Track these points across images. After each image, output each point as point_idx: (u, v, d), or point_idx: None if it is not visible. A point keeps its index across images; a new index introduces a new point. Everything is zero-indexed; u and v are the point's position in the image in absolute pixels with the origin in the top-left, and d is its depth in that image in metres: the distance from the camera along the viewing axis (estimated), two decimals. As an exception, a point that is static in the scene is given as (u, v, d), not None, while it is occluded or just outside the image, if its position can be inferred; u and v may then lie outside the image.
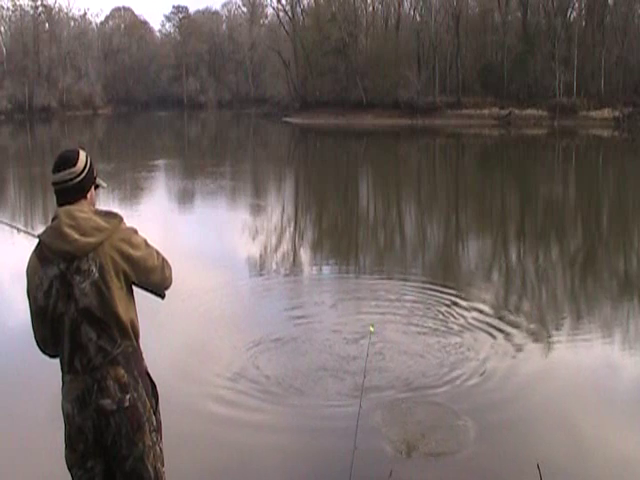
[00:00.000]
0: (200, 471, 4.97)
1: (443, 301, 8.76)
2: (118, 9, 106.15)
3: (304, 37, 69.23)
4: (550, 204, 19.23)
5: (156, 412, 3.11)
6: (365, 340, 6.99)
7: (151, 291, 3.16)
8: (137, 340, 3.08)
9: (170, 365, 6.56)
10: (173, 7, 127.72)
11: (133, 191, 21.81)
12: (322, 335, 7.56)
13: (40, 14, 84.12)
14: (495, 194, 22.19)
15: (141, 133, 58.31)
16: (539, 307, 9.20)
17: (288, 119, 62.95)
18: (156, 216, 16.91)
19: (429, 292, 9.18)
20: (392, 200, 20.90)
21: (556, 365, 6.91)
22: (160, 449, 3.10)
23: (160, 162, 31.37)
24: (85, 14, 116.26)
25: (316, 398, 6.00)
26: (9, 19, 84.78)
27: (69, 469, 3.06)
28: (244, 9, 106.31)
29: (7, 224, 3.91)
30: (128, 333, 3.01)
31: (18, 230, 3.51)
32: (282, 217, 17.31)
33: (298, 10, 74.85)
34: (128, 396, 2.97)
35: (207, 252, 12.53)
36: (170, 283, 3.19)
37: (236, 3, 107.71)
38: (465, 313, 8.29)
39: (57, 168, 3.01)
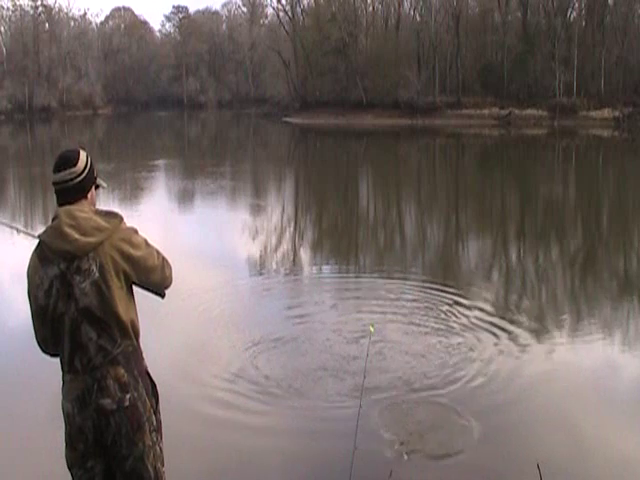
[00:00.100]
0: (200, 471, 4.97)
1: (443, 301, 8.75)
2: (118, 9, 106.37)
3: (304, 37, 69.24)
4: (550, 204, 19.22)
5: (156, 412, 3.11)
6: (365, 340, 6.99)
7: (151, 290, 3.16)
8: (137, 340, 3.07)
9: (170, 365, 6.55)
10: (173, 7, 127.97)
11: (133, 191, 21.80)
12: (322, 335, 7.55)
13: (40, 14, 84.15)
14: (495, 194, 22.18)
15: (141, 133, 58.28)
16: (540, 307, 9.19)
17: (288, 119, 62.93)
18: (156, 216, 16.91)
19: (429, 292, 9.18)
20: (392, 200, 20.89)
21: (557, 366, 6.89)
22: (160, 449, 3.10)
23: (160, 162, 31.36)
24: (85, 14, 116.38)
25: (316, 398, 5.99)
26: (9, 19, 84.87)
27: (69, 469, 3.06)
28: (244, 9, 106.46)
29: (7, 225, 3.91)
30: (128, 333, 3.00)
31: (18, 231, 3.51)
32: (282, 217, 17.31)
33: (298, 10, 74.91)
34: (128, 396, 2.96)
35: (207, 252, 12.53)
36: (170, 282, 3.19)
37: (236, 3, 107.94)
38: (466, 312, 8.28)
39: (57, 168, 3.01)
